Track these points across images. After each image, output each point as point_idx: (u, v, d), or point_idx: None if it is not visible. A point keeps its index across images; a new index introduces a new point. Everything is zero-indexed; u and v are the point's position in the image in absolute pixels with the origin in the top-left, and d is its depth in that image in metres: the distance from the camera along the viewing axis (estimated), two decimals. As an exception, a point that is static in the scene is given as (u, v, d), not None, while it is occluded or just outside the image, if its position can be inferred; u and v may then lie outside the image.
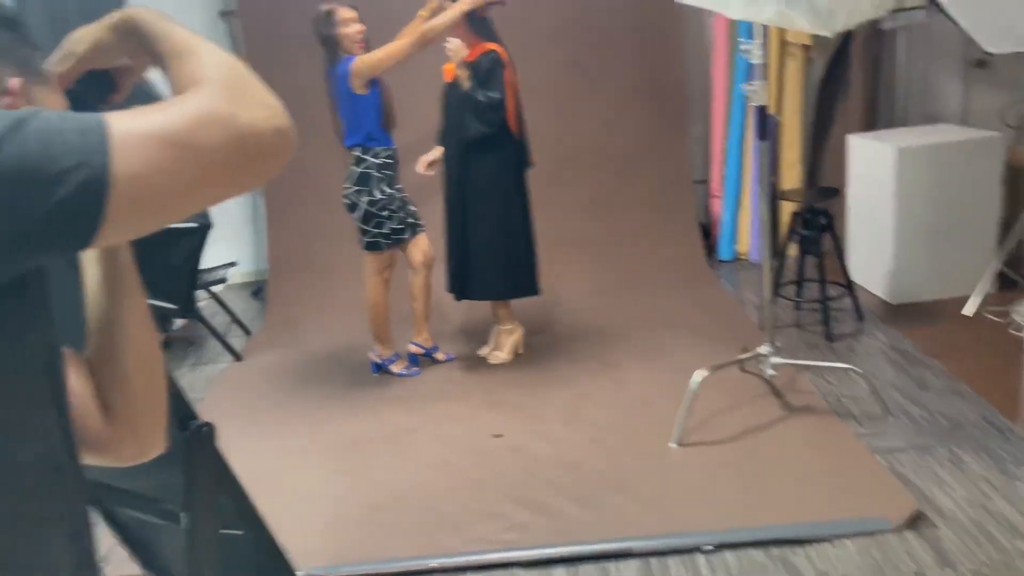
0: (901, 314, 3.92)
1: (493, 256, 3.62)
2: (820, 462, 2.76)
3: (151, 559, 2.29)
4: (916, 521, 2.40)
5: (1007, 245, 3.85)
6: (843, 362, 3.41)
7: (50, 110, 0.82)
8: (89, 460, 0.96)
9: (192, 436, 1.64)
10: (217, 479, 1.67)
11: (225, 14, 4.99)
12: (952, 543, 2.30)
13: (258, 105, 0.81)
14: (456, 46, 3.37)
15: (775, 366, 3.10)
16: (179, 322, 4.70)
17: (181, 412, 1.67)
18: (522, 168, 3.63)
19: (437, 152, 3.70)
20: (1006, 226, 4.04)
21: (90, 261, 0.99)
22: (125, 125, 0.75)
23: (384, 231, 3.52)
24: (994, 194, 3.97)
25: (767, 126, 2.94)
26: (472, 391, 3.57)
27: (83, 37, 0.96)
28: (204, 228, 2.50)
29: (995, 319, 3.72)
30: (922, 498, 2.51)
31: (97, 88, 1.00)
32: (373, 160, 3.46)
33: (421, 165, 3.72)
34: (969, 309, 3.84)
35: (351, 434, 3.28)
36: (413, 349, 3.82)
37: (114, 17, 0.94)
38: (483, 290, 3.71)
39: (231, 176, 0.81)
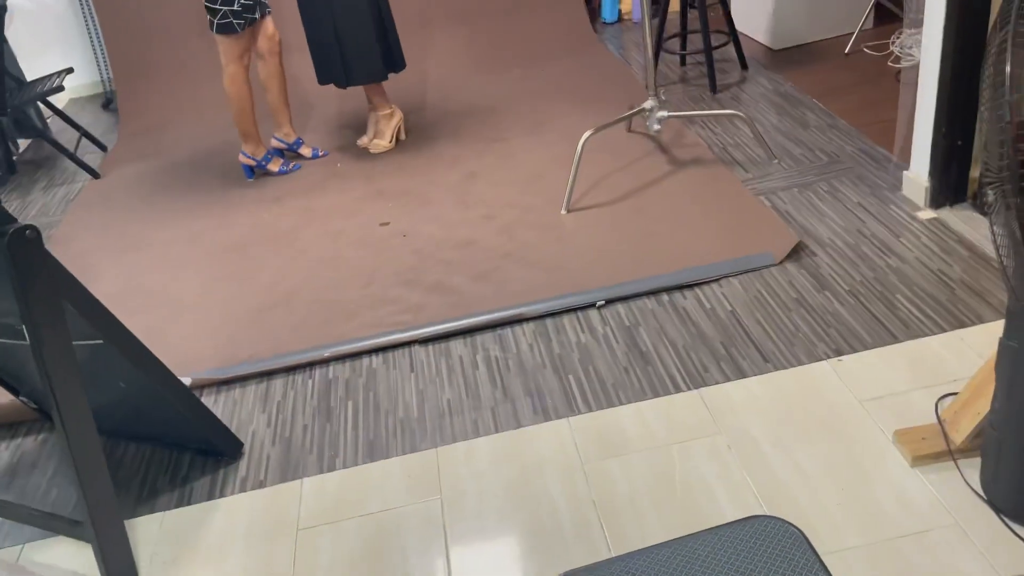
0: (783, 58, 3.86)
1: (361, 35, 3.31)
2: (707, 210, 2.78)
3: (19, 384, 2.15)
4: (797, 253, 2.47)
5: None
6: (727, 110, 3.37)
7: None
8: None
9: (13, 240, 1.45)
10: (54, 287, 1.51)
11: None
12: (830, 268, 2.38)
13: None
14: None
15: (660, 120, 3.03)
16: (23, 145, 4.26)
17: (-7, 217, 1.46)
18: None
19: None
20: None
21: None
22: None
23: (235, 8, 3.13)
24: (875, -79, 3.81)
25: None
26: (355, 183, 3.40)
27: None
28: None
29: (874, 54, 3.71)
30: (803, 231, 2.58)
31: None
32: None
33: None
34: (849, 47, 3.82)
35: (231, 239, 3.10)
36: (275, 144, 3.57)
37: None
38: (357, 74, 3.42)
39: None
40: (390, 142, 3.64)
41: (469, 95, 4.07)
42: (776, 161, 3.01)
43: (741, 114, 3.04)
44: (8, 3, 4.66)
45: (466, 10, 4.59)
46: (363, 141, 3.69)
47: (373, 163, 3.54)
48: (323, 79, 3.51)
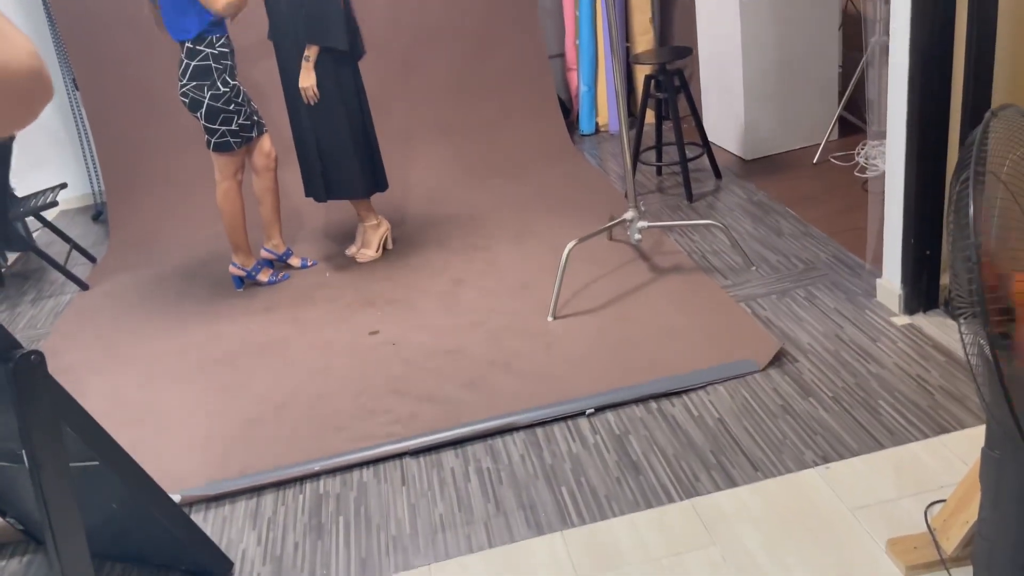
0: (755, 168, 4.05)
1: (341, 154, 3.44)
2: (690, 316, 2.85)
3: (8, 505, 2.12)
4: (780, 359, 2.54)
5: (848, 92, 4.01)
6: (704, 219, 3.50)
7: None
8: None
9: (18, 367, 1.48)
10: (55, 410, 1.52)
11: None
12: (812, 374, 2.44)
13: (9, 44, 0.69)
14: None
15: (641, 230, 3.14)
16: (12, 257, 4.30)
17: (2, 343, 1.49)
18: (356, 58, 3.40)
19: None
20: (846, 75, 4.20)
21: None
22: None
23: (233, 128, 3.26)
24: (833, 43, 4.08)
25: (613, -16, 2.85)
26: (344, 292, 3.45)
27: None
28: (3, 144, 2.22)
29: (840, 164, 3.90)
30: (784, 337, 2.65)
31: None
32: (210, 51, 3.16)
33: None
34: (817, 157, 4.02)
35: (221, 350, 3.12)
36: (264, 255, 3.65)
37: None
38: (336, 190, 3.53)
39: None
40: (377, 251, 3.72)
41: (454, 205, 4.19)
42: (754, 268, 3.12)
43: (718, 224, 3.16)
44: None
45: (448, 124, 4.78)
46: (351, 251, 3.77)
47: (361, 272, 3.60)
48: (308, 192, 3.61)
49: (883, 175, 2.68)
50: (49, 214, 4.70)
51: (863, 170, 3.78)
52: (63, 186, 4.06)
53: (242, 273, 3.56)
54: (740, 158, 4.19)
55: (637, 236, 3.16)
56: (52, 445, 1.51)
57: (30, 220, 4.25)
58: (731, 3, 3.93)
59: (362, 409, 2.61)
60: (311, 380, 2.83)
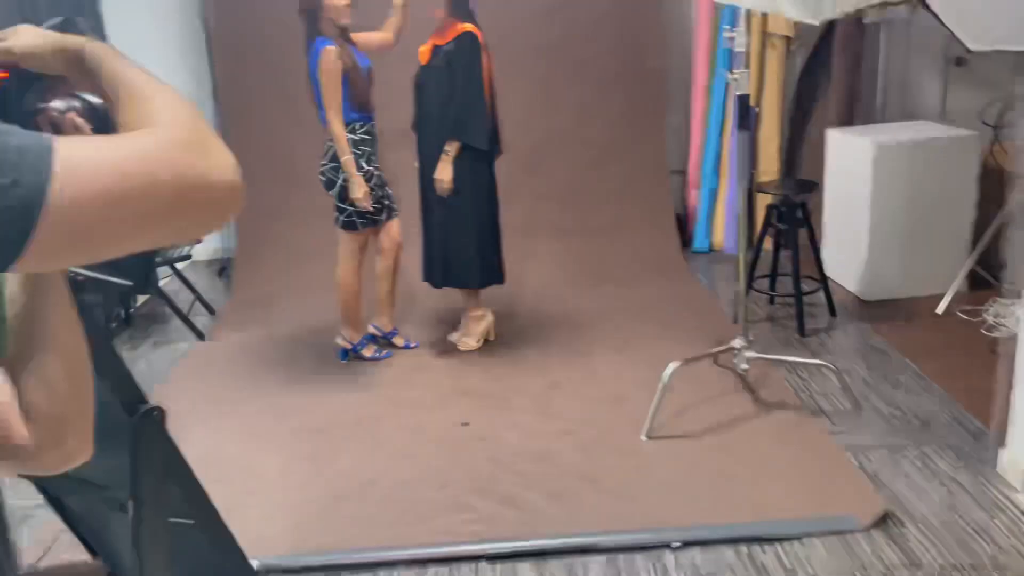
0: (874, 311, 3.91)
1: (463, 245, 3.55)
2: (791, 458, 2.73)
3: (101, 545, 2.19)
4: (885, 520, 2.38)
5: (981, 245, 3.86)
6: (816, 358, 3.39)
7: None
8: (9, 470, 0.88)
9: (140, 421, 1.55)
10: (166, 466, 1.59)
11: (196, -18, 4.84)
12: (920, 544, 2.28)
13: (212, 157, 0.77)
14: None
15: (748, 360, 3.07)
16: (140, 299, 4.57)
17: (129, 396, 1.58)
18: (493, 156, 3.55)
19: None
20: (980, 226, 4.05)
21: None
22: (72, 151, 0.70)
23: (360, 210, 3.42)
24: (969, 193, 3.96)
25: (749, 116, 2.89)
26: (440, 378, 3.50)
27: (26, 39, 0.91)
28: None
29: (967, 318, 3.73)
30: (891, 497, 2.49)
31: (21, 86, 0.94)
32: (350, 136, 3.36)
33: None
34: (941, 307, 3.85)
35: (316, 420, 3.19)
36: (371, 331, 3.75)
37: (66, 42, 0.89)
38: (453, 278, 3.63)
39: (175, 223, 0.76)
40: (478, 342, 3.77)
41: (559, 306, 4.22)
42: (864, 417, 2.97)
43: (830, 365, 3.05)
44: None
45: (564, 226, 4.86)
46: (454, 337, 3.83)
47: (460, 360, 3.65)
48: (425, 276, 3.72)
49: (1014, 337, 2.54)
50: (179, 264, 5.00)
51: (991, 329, 3.59)
52: (198, 240, 4.33)
53: (348, 346, 3.67)
54: (858, 298, 4.07)
55: (744, 366, 3.09)
56: (157, 500, 1.56)
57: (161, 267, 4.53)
58: (865, 144, 3.90)
59: (445, 503, 2.60)
60: (399, 463, 2.85)
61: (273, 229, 4.76)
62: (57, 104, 1.01)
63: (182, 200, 0.75)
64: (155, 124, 0.77)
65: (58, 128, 0.99)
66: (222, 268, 5.07)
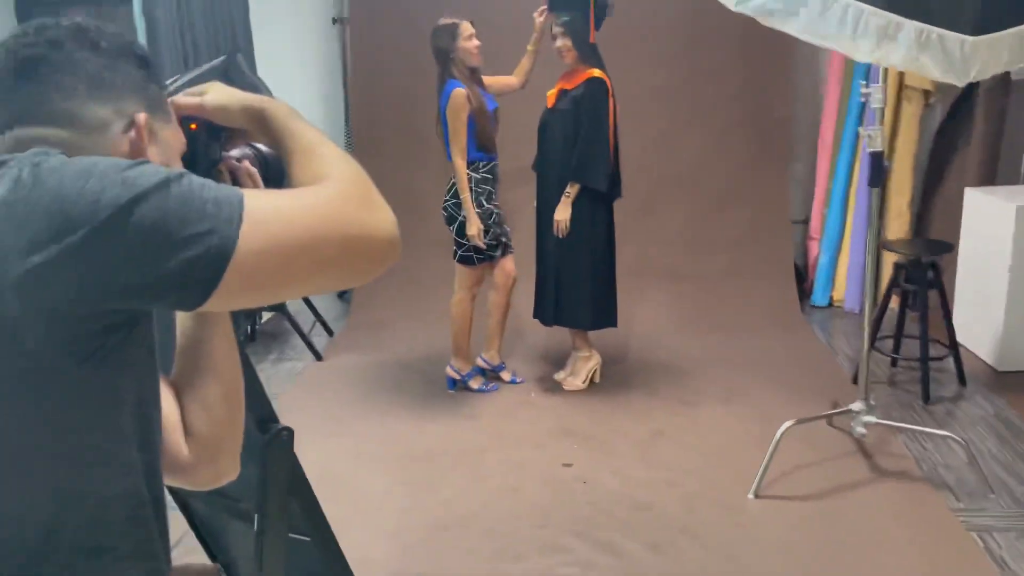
0: (1009, 382, 3.68)
1: (577, 285, 3.58)
2: (908, 533, 2.59)
3: (219, 550, 2.32)
4: (1013, 611, 2.23)
5: None
6: (941, 427, 3.22)
7: (172, 150, 0.86)
8: (165, 482, 0.97)
9: (271, 440, 1.65)
10: (291, 484, 1.67)
11: (337, 20, 5.13)
12: (1053, 641, 2.11)
13: (379, 212, 0.85)
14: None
15: (867, 425, 2.94)
16: (266, 316, 4.82)
17: (262, 413, 1.68)
18: (612, 199, 3.58)
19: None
20: None
21: None
22: (259, 204, 0.79)
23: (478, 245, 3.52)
24: (1123, 264, 3.68)
25: (881, 172, 2.81)
26: (545, 416, 3.52)
27: (217, 96, 1.01)
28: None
29: (1115, 399, 3.45)
30: (1021, 587, 2.33)
31: (208, 138, 1.04)
32: (473, 174, 3.47)
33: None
34: (1086, 385, 3.58)
35: (421, 447, 3.27)
36: (480, 363, 3.81)
37: (251, 101, 0.99)
38: (564, 317, 3.67)
39: (338, 272, 0.85)
40: (584, 383, 3.77)
41: (669, 352, 4.17)
42: (993, 496, 2.79)
43: (958, 438, 2.89)
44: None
45: (678, 271, 4.82)
46: (559, 376, 3.85)
47: (564, 400, 3.66)
48: (536, 314, 3.77)
49: None
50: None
51: None
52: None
53: (457, 377, 3.75)
54: (992, 368, 3.83)
55: (861, 430, 2.97)
56: (280, 515, 1.65)
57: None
58: (1007, 209, 3.70)
59: (543, 543, 2.60)
60: (499, 498, 2.88)
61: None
62: (234, 152, 1.11)
63: (348, 251, 0.82)
64: (326, 179, 0.85)
65: (235, 174, 1.09)
66: (343, 291, 5.29)
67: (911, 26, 1.95)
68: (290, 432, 1.69)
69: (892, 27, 1.96)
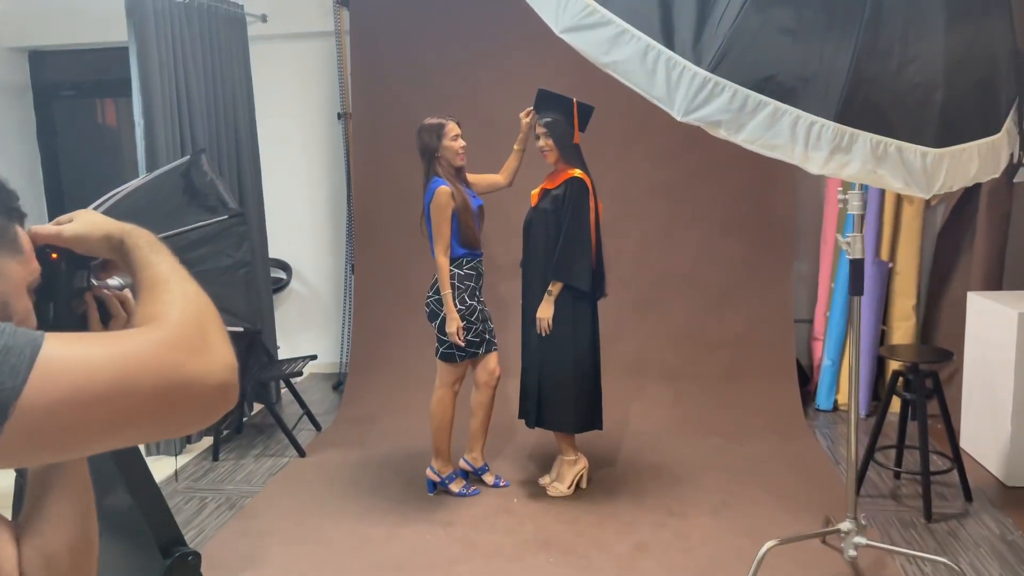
0: (1016, 499, 3.46)
1: (560, 386, 3.48)
2: (899, 672, 2.38)
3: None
4: None
5: None
6: (941, 550, 3.01)
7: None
8: None
9: (174, 564, 1.56)
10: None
11: (341, 116, 5.26)
12: None
13: (209, 357, 0.78)
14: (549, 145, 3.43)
15: (857, 547, 2.76)
16: (256, 408, 4.77)
17: (167, 536, 1.59)
18: (596, 298, 3.51)
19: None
20: None
21: None
22: (60, 352, 0.72)
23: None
24: None
25: (863, 280, 2.72)
26: (525, 525, 3.37)
27: (78, 224, 0.98)
28: (251, 334, 2.51)
29: None
30: None
31: (72, 266, 1.01)
32: (456, 270, 3.44)
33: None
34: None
35: (391, 557, 3.13)
36: (462, 465, 3.70)
37: (113, 230, 0.96)
38: (547, 420, 3.56)
39: (154, 424, 0.77)
40: (569, 488, 3.62)
41: (661, 456, 4.02)
42: (994, 631, 2.58)
43: (953, 565, 2.69)
44: (288, 284, 5.51)
45: (675, 371, 4.70)
46: (544, 480, 3.71)
47: (547, 507, 3.51)
48: (521, 414, 3.67)
49: None
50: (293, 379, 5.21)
51: None
52: (313, 357, 4.50)
53: (436, 479, 3.63)
54: (1000, 482, 3.62)
55: (852, 552, 2.78)
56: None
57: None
58: (1009, 315, 3.57)
59: (501, 670, 2.44)
60: (463, 616, 2.72)
61: (385, 353, 4.89)
62: (113, 282, 1.07)
63: (163, 402, 0.75)
64: (159, 320, 0.79)
65: (103, 304, 1.04)
66: (338, 383, 5.23)
67: (866, 138, 1.90)
68: (196, 557, 1.60)
69: (846, 139, 1.91)
